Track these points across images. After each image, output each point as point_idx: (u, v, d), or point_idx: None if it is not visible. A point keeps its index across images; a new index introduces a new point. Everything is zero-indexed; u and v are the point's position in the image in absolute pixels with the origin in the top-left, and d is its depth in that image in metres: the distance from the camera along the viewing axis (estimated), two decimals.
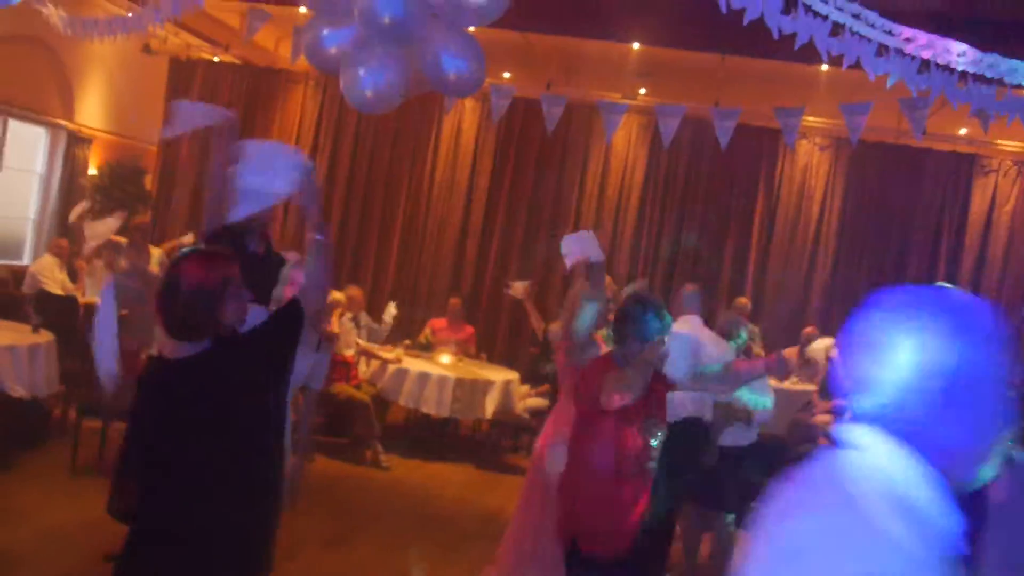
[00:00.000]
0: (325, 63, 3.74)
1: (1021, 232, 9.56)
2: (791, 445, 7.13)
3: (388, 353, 7.67)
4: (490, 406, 7.50)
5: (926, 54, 3.21)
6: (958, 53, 3.23)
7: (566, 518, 3.35)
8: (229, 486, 2.48)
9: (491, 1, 3.40)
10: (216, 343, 2.44)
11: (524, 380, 8.11)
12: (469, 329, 8.58)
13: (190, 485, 2.46)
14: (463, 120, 10.36)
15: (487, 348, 9.21)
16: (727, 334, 5.47)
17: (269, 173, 2.72)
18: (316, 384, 3.72)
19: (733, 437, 5.14)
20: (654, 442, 3.34)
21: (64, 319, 6.87)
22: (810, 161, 9.96)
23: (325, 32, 3.62)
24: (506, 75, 10.09)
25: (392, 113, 10.04)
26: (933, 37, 3.20)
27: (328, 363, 3.73)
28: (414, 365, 7.54)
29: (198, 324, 2.37)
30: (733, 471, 5.14)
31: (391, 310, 7.99)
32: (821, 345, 7.89)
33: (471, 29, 3.73)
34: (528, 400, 7.91)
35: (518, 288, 6.73)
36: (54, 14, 6.01)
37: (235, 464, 2.49)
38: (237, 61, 10.88)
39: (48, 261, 8.15)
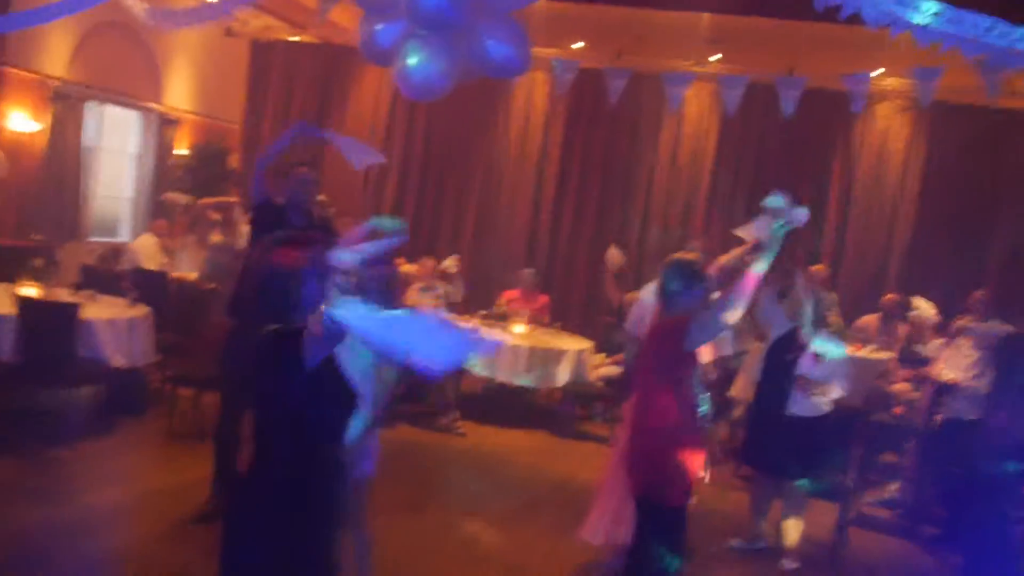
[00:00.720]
0: (379, 57, 3.94)
1: None
2: (868, 413, 7.08)
3: (464, 323, 7.85)
4: (563, 375, 7.64)
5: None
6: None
7: (640, 469, 3.58)
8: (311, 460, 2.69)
9: None
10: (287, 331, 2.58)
11: (599, 349, 8.22)
12: (543, 298, 8.72)
13: (279, 452, 2.67)
14: (533, 93, 10.44)
15: (561, 317, 9.33)
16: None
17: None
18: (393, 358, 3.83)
19: (802, 407, 5.18)
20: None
21: (158, 293, 7.27)
22: (890, 124, 9.71)
23: (378, 27, 3.82)
24: (576, 45, 10.09)
25: (464, 88, 10.26)
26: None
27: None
28: (489, 335, 7.71)
29: (279, 307, 2.55)
30: (803, 439, 5.19)
31: (452, 264, 8.20)
32: (925, 307, 7.74)
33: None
34: (602, 369, 8.02)
35: (615, 256, 6.83)
36: (137, 6, 6.30)
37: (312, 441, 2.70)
38: (316, 41, 11.16)
39: (147, 240, 8.60)
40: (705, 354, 5.00)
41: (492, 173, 10.59)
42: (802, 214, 4.02)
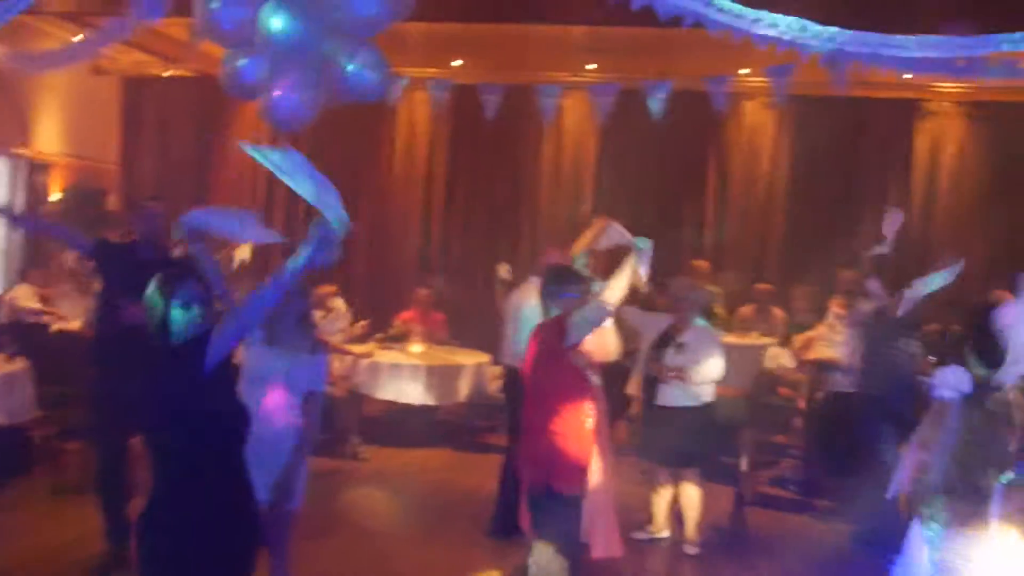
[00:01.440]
0: (243, 91, 4.01)
1: (965, 174, 9.79)
2: (756, 397, 7.40)
3: (360, 348, 7.85)
4: (463, 389, 7.71)
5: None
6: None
7: (530, 462, 3.74)
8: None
9: (382, 11, 3.66)
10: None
11: (496, 362, 8.30)
12: (438, 316, 8.77)
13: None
14: (415, 114, 10.52)
15: (458, 334, 9.38)
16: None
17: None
18: (318, 386, 3.77)
19: (677, 397, 5.37)
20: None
21: (37, 345, 7.01)
22: (757, 121, 10.17)
23: (240, 63, 3.90)
24: (455, 63, 10.21)
25: (345, 114, 10.21)
26: None
27: (327, 365, 3.89)
28: (386, 357, 7.73)
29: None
30: (686, 429, 5.39)
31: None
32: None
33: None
34: (500, 381, 8.11)
35: (504, 270, 6.94)
36: None
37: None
38: (191, 74, 10.95)
39: (23, 290, 8.28)
40: (598, 355, 5.14)
41: (380, 196, 10.59)
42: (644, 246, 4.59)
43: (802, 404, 7.27)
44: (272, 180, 10.53)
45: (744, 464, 6.31)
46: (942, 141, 9.85)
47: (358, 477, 6.85)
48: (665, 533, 5.71)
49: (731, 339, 8.25)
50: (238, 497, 2.86)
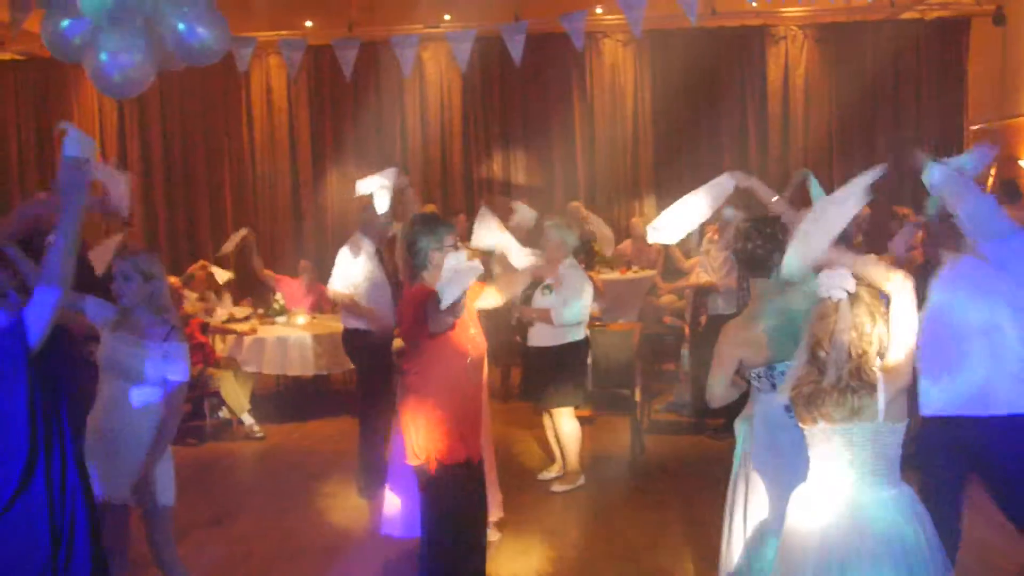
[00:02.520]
0: (71, 53, 3.68)
1: (815, 92, 10.24)
2: (644, 329, 7.58)
3: (242, 326, 7.62)
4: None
5: None
6: None
7: (429, 437, 3.47)
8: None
9: None
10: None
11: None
12: (321, 287, 8.56)
13: None
14: (271, 78, 10.17)
15: None
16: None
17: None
18: (175, 376, 3.43)
19: (539, 337, 5.45)
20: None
21: None
22: (616, 59, 10.29)
23: (64, 24, 3.56)
24: (308, 24, 9.88)
25: (195, 82, 9.79)
26: None
27: (185, 352, 3.53)
28: (270, 332, 7.53)
29: None
30: (551, 367, 5.47)
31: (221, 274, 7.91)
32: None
33: None
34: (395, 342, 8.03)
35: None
36: None
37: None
38: (20, 57, 10.21)
39: None
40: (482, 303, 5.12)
41: (243, 165, 10.23)
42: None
43: (687, 330, 7.51)
44: (123, 148, 10.07)
45: (637, 394, 6.48)
46: (792, 63, 10.23)
47: (255, 457, 6.70)
48: (563, 472, 5.80)
49: (613, 275, 8.45)
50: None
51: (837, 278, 2.48)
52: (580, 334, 5.54)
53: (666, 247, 8.51)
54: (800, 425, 2.59)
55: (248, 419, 7.12)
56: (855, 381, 2.46)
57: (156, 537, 3.51)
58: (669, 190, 10.12)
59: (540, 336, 5.50)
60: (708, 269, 7.05)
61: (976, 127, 10.06)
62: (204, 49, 3.62)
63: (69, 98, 10.18)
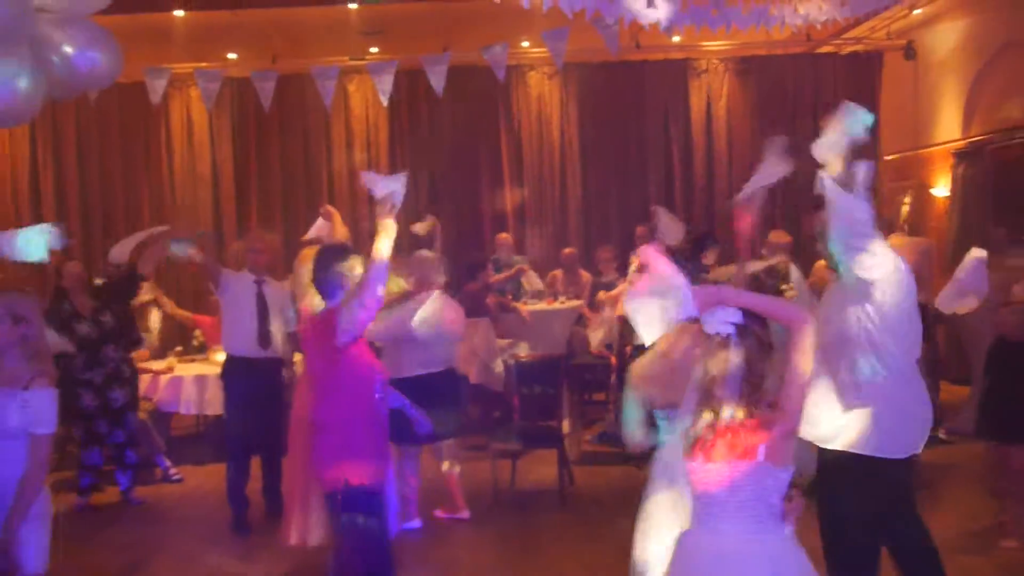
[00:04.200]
0: None
1: (736, 124, 10.44)
2: (570, 358, 7.56)
3: (158, 364, 7.36)
4: None
5: None
6: None
7: (337, 458, 3.44)
8: None
9: None
10: None
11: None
12: None
13: None
14: (191, 110, 9.95)
15: None
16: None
17: None
18: (38, 428, 3.13)
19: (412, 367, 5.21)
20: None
21: None
22: (542, 91, 10.36)
23: None
24: (231, 56, 9.71)
25: (113, 112, 9.53)
26: None
27: (51, 400, 3.24)
28: (188, 370, 7.28)
29: None
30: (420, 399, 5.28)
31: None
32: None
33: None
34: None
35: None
36: None
37: None
38: None
39: None
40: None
41: (163, 200, 9.96)
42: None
43: (614, 360, 7.50)
44: (35, 191, 9.72)
45: (566, 426, 6.43)
46: (714, 95, 10.43)
47: (173, 500, 6.43)
48: (463, 513, 5.66)
49: (542, 306, 8.42)
50: None
51: (722, 314, 2.43)
52: (447, 364, 5.34)
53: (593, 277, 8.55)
54: (684, 460, 2.51)
55: (165, 462, 6.85)
56: (744, 418, 2.39)
57: None
58: (597, 219, 10.23)
59: (410, 366, 5.21)
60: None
61: (889, 157, 10.37)
62: (95, 73, 3.47)
63: None
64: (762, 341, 2.44)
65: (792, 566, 2.42)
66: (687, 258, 5.77)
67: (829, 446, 3.36)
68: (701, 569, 2.43)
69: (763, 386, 2.41)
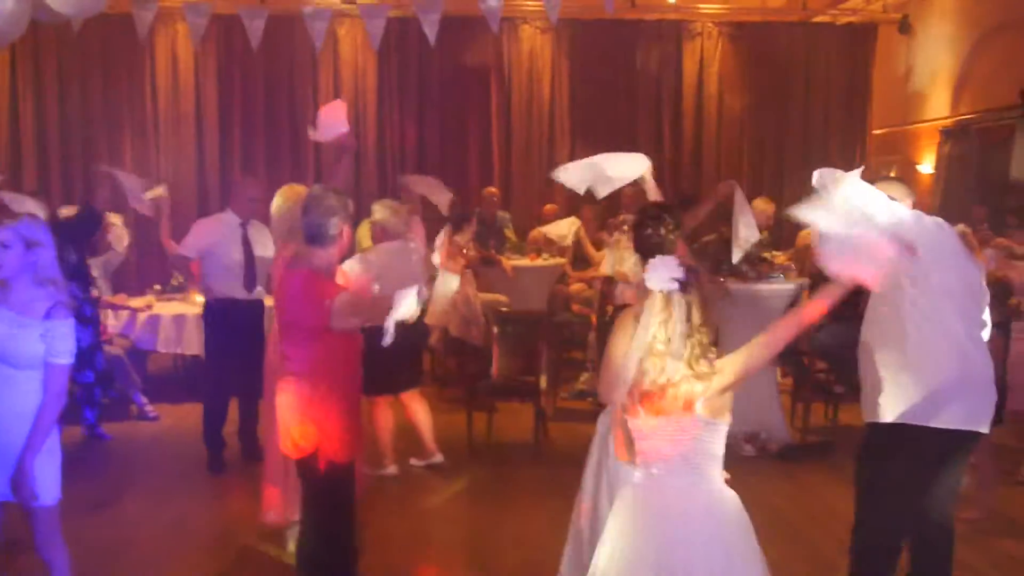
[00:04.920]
0: None
1: (728, 89, 10.42)
2: (552, 313, 7.60)
3: (137, 302, 7.32)
4: None
5: None
6: None
7: (312, 431, 3.32)
8: None
9: None
10: None
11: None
12: None
13: None
14: (176, 46, 9.74)
15: None
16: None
17: None
18: (55, 357, 3.09)
19: None
20: None
21: None
22: (534, 46, 10.25)
23: None
24: None
25: (95, 49, 9.33)
26: None
27: (71, 329, 3.13)
28: (167, 309, 7.25)
29: None
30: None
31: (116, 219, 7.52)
32: (565, 226, 8.35)
33: None
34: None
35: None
36: None
37: None
38: None
39: None
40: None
41: (145, 138, 9.79)
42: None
43: (594, 319, 7.54)
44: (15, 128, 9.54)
45: (543, 381, 6.47)
46: (707, 60, 10.37)
47: (147, 437, 6.44)
48: (437, 458, 5.71)
49: (523, 262, 8.43)
50: None
51: (665, 270, 2.45)
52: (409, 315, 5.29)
53: (577, 237, 8.54)
54: (625, 417, 2.55)
55: (141, 399, 6.85)
56: (688, 371, 2.42)
57: (39, 537, 3.18)
58: None
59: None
60: (617, 261, 7.08)
61: (878, 131, 10.40)
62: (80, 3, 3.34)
63: None
64: (703, 296, 2.48)
65: (733, 519, 2.48)
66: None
67: (881, 419, 3.31)
68: (646, 522, 2.48)
69: (703, 341, 2.45)
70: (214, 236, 5.64)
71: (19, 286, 3.10)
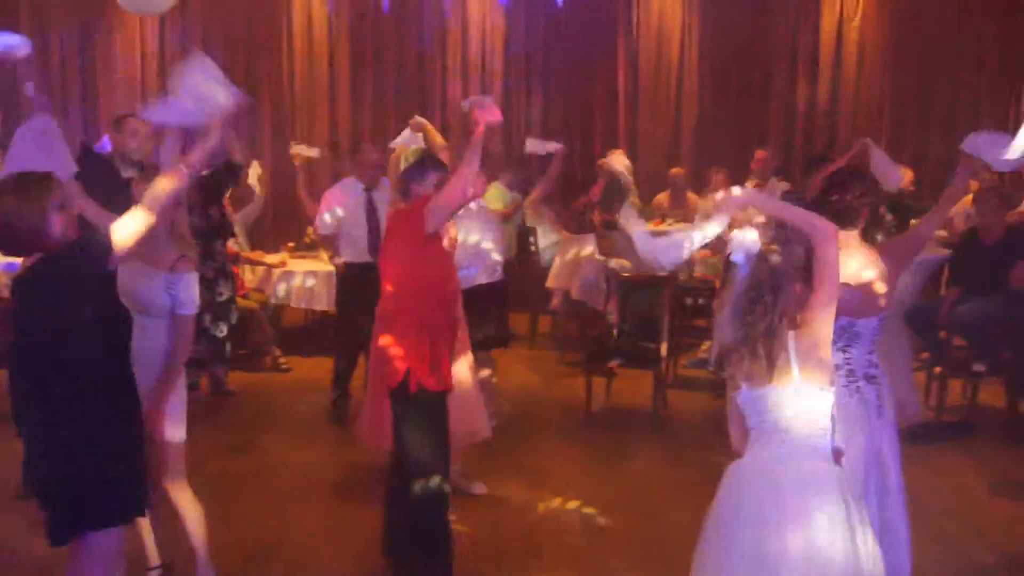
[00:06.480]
0: None
1: (870, 46, 9.85)
2: (674, 279, 7.47)
3: (272, 258, 7.63)
4: None
5: None
6: None
7: (383, 358, 3.54)
8: (65, 413, 2.61)
9: None
10: (45, 259, 2.67)
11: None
12: None
13: (32, 409, 2.59)
14: (312, 11, 9.98)
15: None
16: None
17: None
18: (181, 309, 3.31)
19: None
20: None
21: None
22: (664, 4, 9.98)
23: None
24: None
25: (240, 8, 9.64)
26: None
27: (194, 282, 3.38)
28: (300, 266, 7.53)
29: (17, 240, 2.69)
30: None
31: (256, 169, 7.88)
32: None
33: None
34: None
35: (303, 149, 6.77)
36: None
37: (69, 390, 2.59)
38: None
39: None
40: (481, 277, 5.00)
41: (280, 88, 10.08)
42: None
43: (718, 285, 7.38)
44: None
45: (664, 348, 6.40)
46: (848, 14, 9.85)
47: (280, 388, 6.76)
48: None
49: (648, 227, 8.30)
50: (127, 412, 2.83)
51: (745, 239, 2.40)
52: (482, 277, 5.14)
53: (699, 200, 8.36)
54: (729, 392, 2.52)
55: (275, 350, 7.18)
56: (770, 339, 2.38)
57: (165, 471, 3.40)
58: (711, 143, 9.90)
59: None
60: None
61: None
62: None
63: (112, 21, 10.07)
64: (785, 263, 2.42)
65: (834, 490, 2.39)
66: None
67: None
68: (746, 491, 2.43)
69: (786, 308, 2.41)
70: (341, 205, 5.86)
71: (157, 241, 3.25)
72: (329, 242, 6.21)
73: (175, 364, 3.34)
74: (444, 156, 4.66)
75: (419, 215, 3.45)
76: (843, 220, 3.09)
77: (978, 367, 5.84)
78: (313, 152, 6.81)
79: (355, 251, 5.85)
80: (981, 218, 6.00)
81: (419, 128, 5.03)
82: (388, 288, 3.59)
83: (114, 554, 2.87)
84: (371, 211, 5.82)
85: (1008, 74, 9.64)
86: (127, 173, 4.68)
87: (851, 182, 3.27)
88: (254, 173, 8.02)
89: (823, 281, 2.40)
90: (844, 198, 3.23)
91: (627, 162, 8.21)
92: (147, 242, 3.24)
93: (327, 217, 5.91)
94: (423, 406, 3.50)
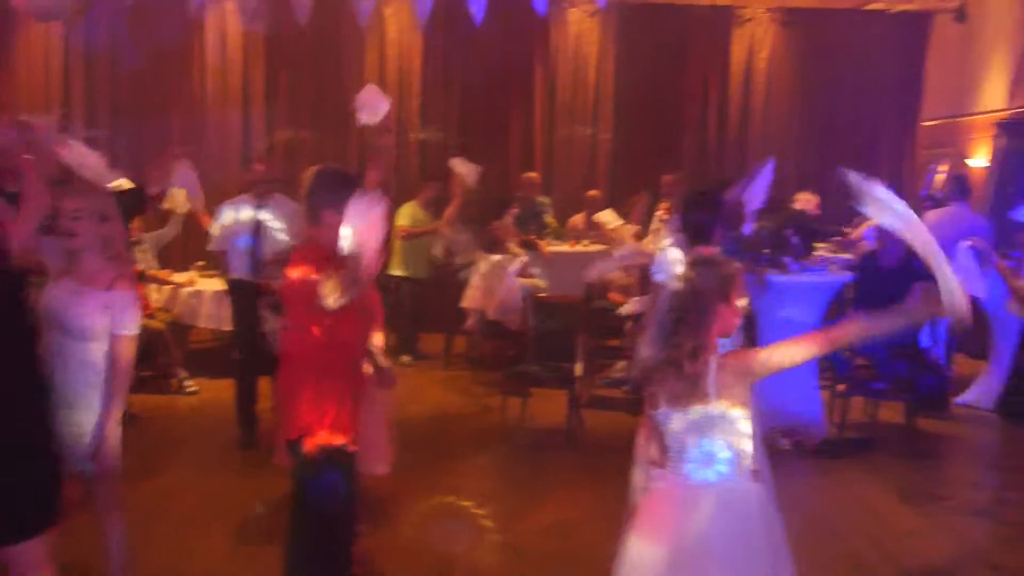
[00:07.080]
0: None
1: (777, 79, 10.23)
2: (588, 302, 7.56)
3: (180, 277, 7.42)
4: None
5: None
6: None
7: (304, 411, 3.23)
8: None
9: None
10: None
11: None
12: None
13: None
14: (226, 26, 9.78)
15: None
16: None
17: None
18: (120, 329, 3.15)
19: None
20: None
21: None
22: (581, 29, 10.15)
23: None
24: None
25: (149, 34, 9.38)
26: None
27: (134, 302, 3.25)
28: (210, 285, 7.33)
29: None
30: None
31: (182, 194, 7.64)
32: (607, 216, 8.29)
33: None
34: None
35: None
36: None
37: None
38: None
39: None
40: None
41: (193, 118, 9.85)
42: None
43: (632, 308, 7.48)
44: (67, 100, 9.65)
45: (579, 368, 6.44)
46: (756, 46, 10.19)
47: (185, 412, 6.54)
48: None
49: (562, 247, 8.40)
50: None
51: (669, 259, 2.46)
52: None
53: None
54: (648, 411, 2.54)
55: (181, 372, 6.95)
56: (694, 360, 2.41)
57: (103, 503, 3.31)
58: (626, 165, 10.09)
59: None
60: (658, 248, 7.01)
61: (928, 123, 10.15)
62: None
63: (14, 49, 9.66)
64: (708, 283, 2.46)
65: (757, 512, 2.44)
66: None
67: None
68: (673, 515, 2.44)
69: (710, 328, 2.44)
70: (229, 222, 5.84)
71: (89, 258, 3.16)
72: (221, 258, 6.15)
73: (118, 388, 3.19)
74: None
75: (315, 292, 2.98)
76: (698, 236, 3.45)
77: (879, 385, 6.08)
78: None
79: (240, 268, 5.83)
80: (880, 242, 6.25)
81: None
82: (290, 331, 3.30)
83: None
84: (256, 229, 5.76)
85: (903, 96, 10.17)
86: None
87: (704, 203, 3.58)
88: (181, 196, 7.72)
89: (783, 344, 2.49)
90: (699, 216, 3.55)
91: (471, 167, 7.94)
92: (75, 260, 3.11)
93: (216, 233, 5.92)
94: (323, 465, 3.20)
